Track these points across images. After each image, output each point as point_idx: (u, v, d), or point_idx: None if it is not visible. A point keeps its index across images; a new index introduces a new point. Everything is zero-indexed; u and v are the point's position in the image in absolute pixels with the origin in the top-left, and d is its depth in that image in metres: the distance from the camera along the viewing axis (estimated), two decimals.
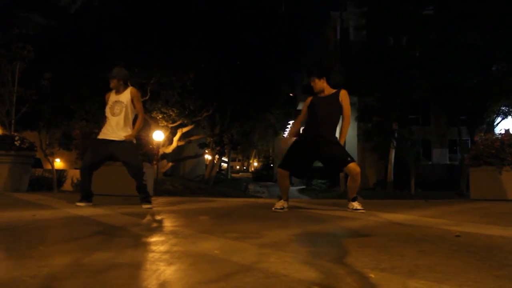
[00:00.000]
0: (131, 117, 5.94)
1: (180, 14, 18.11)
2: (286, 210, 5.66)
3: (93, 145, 6.02)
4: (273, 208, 5.67)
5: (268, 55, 20.74)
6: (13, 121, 10.11)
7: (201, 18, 18.44)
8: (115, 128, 5.83)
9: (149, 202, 5.89)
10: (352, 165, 5.44)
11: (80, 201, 5.89)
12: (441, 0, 21.90)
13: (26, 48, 10.06)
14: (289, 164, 5.75)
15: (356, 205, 5.54)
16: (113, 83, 5.92)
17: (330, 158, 5.62)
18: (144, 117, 6.20)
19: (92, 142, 6.05)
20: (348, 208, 5.60)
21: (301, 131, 5.98)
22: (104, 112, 6.04)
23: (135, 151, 6.21)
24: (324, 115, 5.63)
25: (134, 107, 5.96)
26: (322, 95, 5.73)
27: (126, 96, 5.89)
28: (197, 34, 18.30)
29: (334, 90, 5.72)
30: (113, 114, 5.86)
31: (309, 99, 5.82)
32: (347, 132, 5.74)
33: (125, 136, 5.79)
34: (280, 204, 5.70)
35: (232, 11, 19.89)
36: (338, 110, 5.66)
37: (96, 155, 5.88)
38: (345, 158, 5.50)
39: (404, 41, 24.36)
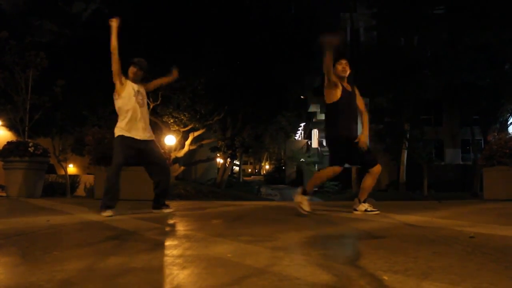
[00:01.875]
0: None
1: (190, 19, 18.18)
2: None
3: (123, 142, 5.39)
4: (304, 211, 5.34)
5: (278, 58, 20.74)
6: (26, 128, 10.21)
7: (211, 23, 18.50)
8: (142, 124, 5.44)
9: (167, 206, 5.72)
10: (378, 166, 5.55)
11: (106, 210, 5.15)
12: None
13: (39, 55, 10.14)
14: (342, 160, 5.61)
15: (367, 206, 5.51)
16: (137, 74, 5.61)
17: (361, 156, 5.55)
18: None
19: (120, 140, 5.40)
20: (356, 210, 5.54)
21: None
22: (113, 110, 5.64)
23: (160, 149, 5.94)
24: (355, 111, 5.64)
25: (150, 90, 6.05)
26: (346, 86, 5.56)
27: (143, 90, 5.70)
28: (207, 38, 18.36)
29: (349, 86, 5.65)
30: (140, 105, 5.49)
31: (340, 87, 5.51)
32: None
33: None
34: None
35: (242, 15, 19.94)
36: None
37: (127, 152, 5.35)
38: (375, 159, 5.62)
39: (415, 41, 24.22)
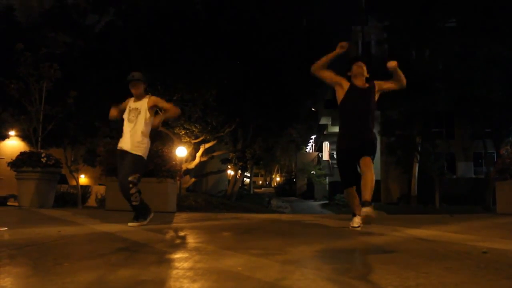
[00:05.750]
0: (146, 125, 5.66)
1: (202, 32, 18.33)
2: None
3: (117, 157, 5.82)
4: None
5: (290, 70, 20.79)
6: (39, 139, 10.31)
7: (223, 36, 18.63)
8: (128, 135, 5.63)
9: (136, 219, 5.51)
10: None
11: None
12: (463, 12, 21.74)
13: (53, 67, 10.28)
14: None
15: (360, 216, 4.79)
16: (140, 89, 5.74)
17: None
18: (174, 110, 5.98)
19: (115, 154, 5.91)
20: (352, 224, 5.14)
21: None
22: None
23: (137, 166, 5.58)
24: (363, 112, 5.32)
25: (160, 110, 5.91)
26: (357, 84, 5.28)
27: (144, 103, 5.69)
28: (219, 51, 18.48)
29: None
30: (129, 121, 5.68)
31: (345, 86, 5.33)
32: None
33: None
34: None
35: (254, 27, 20.05)
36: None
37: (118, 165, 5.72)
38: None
39: (427, 54, 24.19)
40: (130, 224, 5.40)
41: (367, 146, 5.09)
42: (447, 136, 30.43)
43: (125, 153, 5.58)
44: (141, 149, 5.61)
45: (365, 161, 4.96)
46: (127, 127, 5.68)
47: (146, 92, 5.90)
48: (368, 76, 5.30)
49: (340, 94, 5.29)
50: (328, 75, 5.38)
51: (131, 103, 5.78)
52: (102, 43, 20.03)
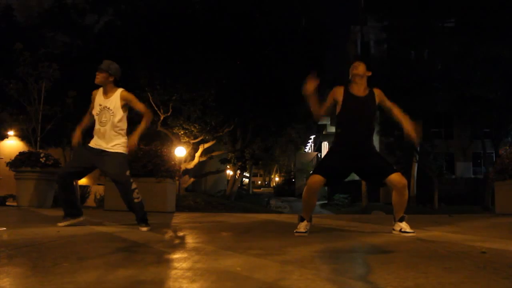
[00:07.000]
0: (122, 124, 5.06)
1: (202, 31, 18.33)
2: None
3: (78, 152, 5.29)
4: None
5: (288, 70, 20.81)
6: (38, 139, 10.31)
7: (222, 35, 18.63)
8: (104, 137, 5.02)
9: (145, 223, 5.05)
10: (395, 176, 4.62)
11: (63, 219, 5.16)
12: (462, 12, 21.76)
13: (52, 67, 10.28)
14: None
15: (404, 226, 4.72)
16: (100, 78, 4.97)
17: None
18: (149, 115, 5.15)
19: (78, 149, 5.36)
20: (394, 229, 4.80)
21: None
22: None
23: (124, 163, 5.08)
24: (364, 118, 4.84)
25: (132, 109, 5.11)
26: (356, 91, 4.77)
27: (115, 101, 5.01)
28: (218, 51, 18.48)
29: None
30: (100, 124, 5.04)
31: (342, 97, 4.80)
32: None
33: (124, 145, 4.99)
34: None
35: (253, 27, 20.06)
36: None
37: (77, 162, 5.19)
38: (389, 168, 4.73)
39: (426, 54, 24.20)
40: (143, 229, 4.92)
41: (384, 163, 4.83)
42: (446, 136, 30.51)
43: (104, 152, 5.00)
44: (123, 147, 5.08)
45: (402, 180, 4.65)
46: (100, 130, 5.06)
47: (117, 85, 5.12)
48: (370, 74, 4.77)
49: (338, 107, 4.82)
50: (326, 104, 4.86)
51: (100, 99, 5.10)
52: (101, 43, 20.01)
